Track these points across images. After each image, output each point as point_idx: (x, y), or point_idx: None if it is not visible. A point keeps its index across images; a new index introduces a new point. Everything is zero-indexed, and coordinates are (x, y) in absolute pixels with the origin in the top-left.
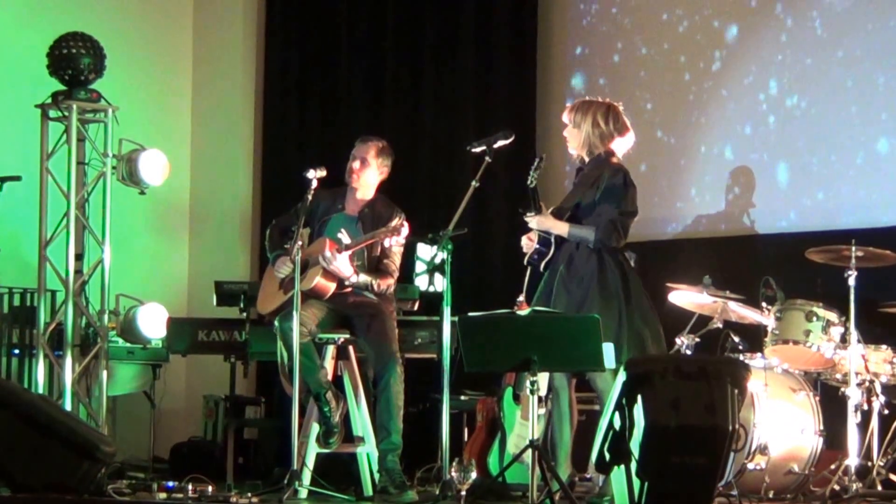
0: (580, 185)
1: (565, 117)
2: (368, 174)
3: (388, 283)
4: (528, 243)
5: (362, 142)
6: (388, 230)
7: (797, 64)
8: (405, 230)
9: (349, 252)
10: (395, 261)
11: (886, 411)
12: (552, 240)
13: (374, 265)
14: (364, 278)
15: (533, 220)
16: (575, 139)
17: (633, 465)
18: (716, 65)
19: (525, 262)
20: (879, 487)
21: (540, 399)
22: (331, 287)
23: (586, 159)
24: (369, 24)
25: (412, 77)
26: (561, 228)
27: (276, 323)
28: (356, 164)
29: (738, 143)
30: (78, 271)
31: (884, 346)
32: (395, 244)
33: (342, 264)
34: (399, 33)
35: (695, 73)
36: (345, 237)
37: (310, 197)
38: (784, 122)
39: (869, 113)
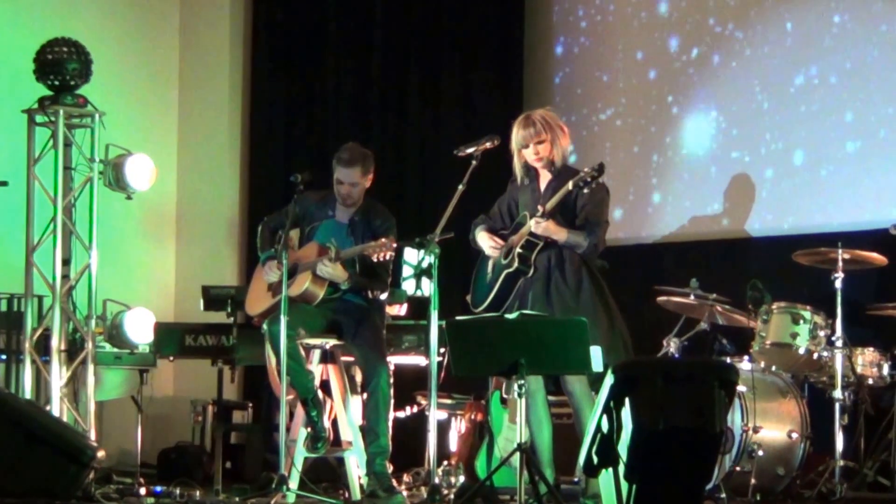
0: (554, 192)
1: (536, 131)
2: (360, 191)
3: (381, 290)
4: (495, 248)
5: (344, 165)
6: (377, 246)
7: (786, 68)
8: (393, 248)
9: (339, 262)
10: (387, 268)
11: (873, 413)
12: (533, 257)
13: (366, 272)
14: (358, 280)
15: (541, 225)
16: (557, 148)
17: (621, 468)
18: (702, 68)
19: (503, 274)
20: (867, 490)
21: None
22: (319, 293)
23: (545, 171)
24: (356, 29)
25: (399, 81)
26: (561, 234)
27: (266, 326)
28: (345, 189)
29: (725, 146)
30: (65, 276)
31: (870, 349)
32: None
33: (338, 272)
34: (385, 38)
35: (681, 76)
36: (334, 247)
37: (296, 201)
38: (771, 126)
39: (858, 116)
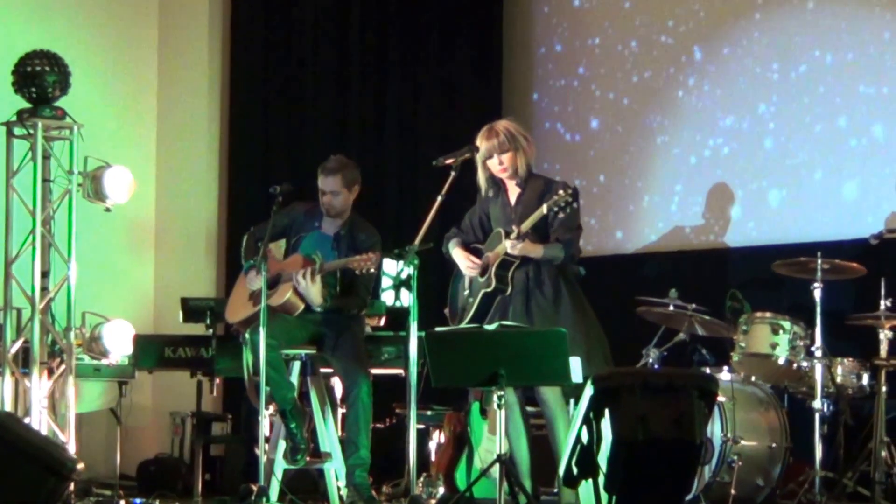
0: (527, 205)
1: (499, 142)
2: (342, 201)
3: (359, 309)
4: (472, 268)
5: (325, 174)
6: (362, 260)
7: (766, 78)
8: (376, 263)
9: (321, 275)
10: (368, 285)
11: (853, 423)
12: (510, 275)
13: (347, 287)
14: (334, 304)
15: (517, 247)
16: (521, 158)
17: (601, 479)
18: (681, 80)
19: (481, 292)
20: (847, 501)
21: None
22: (300, 305)
23: (513, 180)
24: (334, 40)
25: (377, 92)
26: (537, 251)
27: (248, 335)
28: (327, 199)
29: (704, 156)
30: (44, 289)
31: (850, 359)
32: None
33: (313, 291)
34: (363, 50)
35: (661, 88)
36: (318, 259)
37: (275, 212)
38: (751, 136)
39: (837, 126)
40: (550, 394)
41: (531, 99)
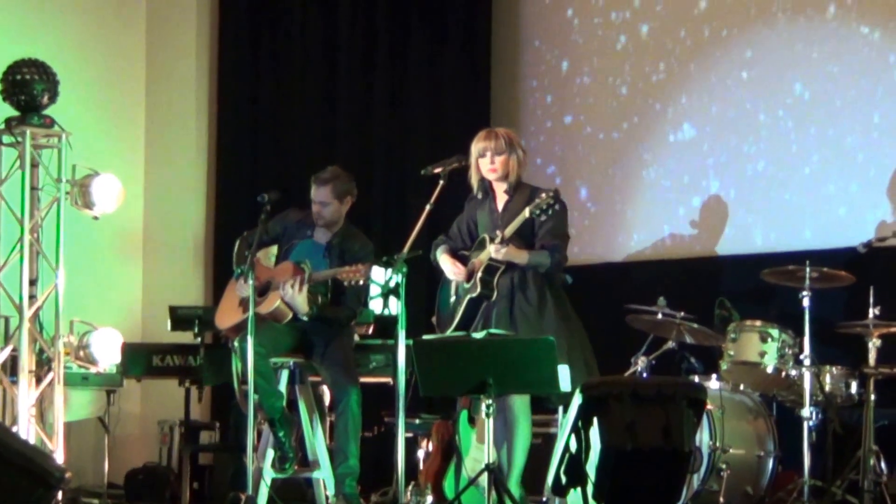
0: (514, 213)
1: (496, 144)
2: (332, 212)
3: (347, 320)
4: (458, 273)
5: (317, 184)
6: (350, 271)
7: (753, 87)
8: (365, 274)
9: (309, 284)
10: (358, 295)
11: (841, 432)
12: (495, 281)
13: (337, 297)
14: (321, 312)
15: (501, 252)
16: (514, 164)
17: (590, 488)
18: (668, 91)
19: (467, 298)
20: None
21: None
22: (289, 313)
23: (502, 186)
24: (322, 49)
25: (365, 101)
26: (522, 257)
27: (236, 343)
28: (316, 209)
29: (693, 165)
30: (32, 297)
31: (838, 367)
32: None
33: (299, 300)
34: (351, 58)
35: (648, 97)
36: (308, 268)
37: (262, 221)
38: (740, 146)
39: (825, 135)
40: (518, 400)
41: (522, 106)
